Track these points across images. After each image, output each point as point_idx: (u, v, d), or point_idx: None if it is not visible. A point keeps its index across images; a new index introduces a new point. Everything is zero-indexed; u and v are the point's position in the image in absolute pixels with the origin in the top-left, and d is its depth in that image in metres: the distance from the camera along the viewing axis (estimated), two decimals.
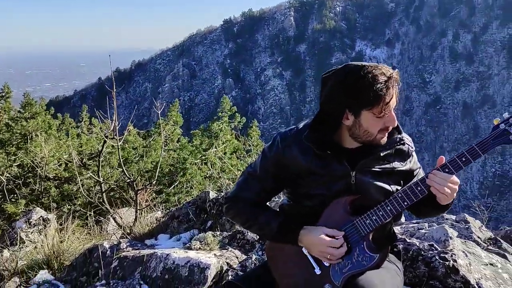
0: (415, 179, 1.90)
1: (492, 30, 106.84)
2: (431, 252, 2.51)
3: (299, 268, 1.89)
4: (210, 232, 3.71)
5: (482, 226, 3.92)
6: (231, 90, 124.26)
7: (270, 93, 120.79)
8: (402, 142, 1.87)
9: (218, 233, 3.72)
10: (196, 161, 8.18)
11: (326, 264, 1.82)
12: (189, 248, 3.56)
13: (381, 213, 1.78)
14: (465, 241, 2.80)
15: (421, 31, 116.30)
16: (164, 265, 3.33)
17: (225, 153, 9.18)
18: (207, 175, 8.57)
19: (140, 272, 3.48)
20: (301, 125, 1.92)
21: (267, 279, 2.00)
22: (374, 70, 1.66)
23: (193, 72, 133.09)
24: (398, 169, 1.86)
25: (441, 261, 2.43)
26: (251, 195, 1.97)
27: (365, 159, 1.81)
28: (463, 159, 1.69)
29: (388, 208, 1.77)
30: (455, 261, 2.42)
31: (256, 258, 3.14)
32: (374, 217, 1.78)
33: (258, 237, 3.38)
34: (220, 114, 8.56)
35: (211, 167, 8.61)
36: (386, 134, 1.79)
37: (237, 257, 3.27)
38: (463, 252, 2.58)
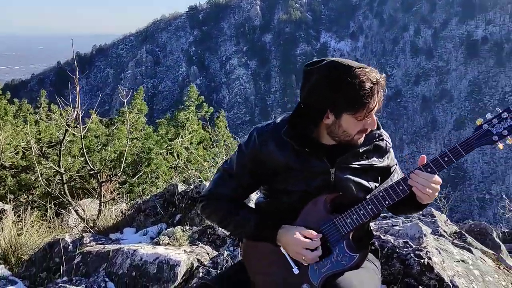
0: (392, 176, 1.89)
1: (452, 27, 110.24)
2: (405, 249, 2.51)
3: (277, 267, 1.83)
4: (179, 227, 3.59)
5: (447, 220, 4.01)
6: (195, 78, 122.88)
7: (235, 82, 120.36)
8: (381, 138, 1.84)
9: (187, 228, 3.62)
10: (161, 151, 7.98)
11: (304, 263, 1.77)
12: (158, 244, 3.44)
13: (362, 212, 1.74)
14: (437, 238, 2.82)
15: (384, 25, 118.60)
16: (131, 262, 3.19)
17: (191, 143, 9.02)
18: (173, 166, 8.40)
19: (105, 269, 3.33)
20: (278, 119, 1.85)
21: (242, 278, 1.93)
22: (361, 75, 1.59)
23: (157, 59, 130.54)
24: (376, 165, 1.83)
25: (416, 259, 2.43)
26: (228, 192, 1.89)
27: (344, 155, 1.77)
28: (446, 159, 1.67)
29: (369, 207, 1.74)
30: (429, 258, 2.43)
31: (227, 254, 3.06)
32: (354, 216, 1.75)
33: (229, 232, 3.30)
34: (187, 103, 8.37)
35: (177, 157, 8.44)
36: (364, 135, 1.76)
37: (208, 254, 3.18)
38: (436, 249, 2.60)
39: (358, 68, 1.60)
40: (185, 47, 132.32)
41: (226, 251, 3.13)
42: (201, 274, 2.98)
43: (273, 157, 1.77)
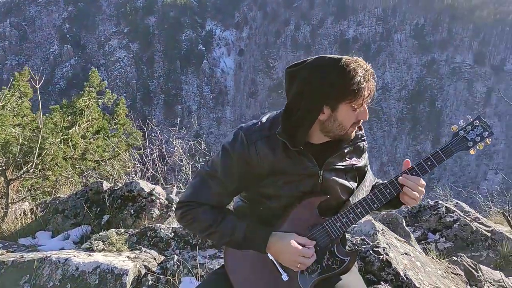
0: (367, 175, 1.92)
1: (327, 25, 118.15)
2: (364, 246, 2.62)
3: (264, 275, 1.78)
4: (113, 230, 3.28)
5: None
6: (69, 57, 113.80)
7: (115, 65, 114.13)
8: (363, 138, 1.87)
9: (121, 230, 3.32)
10: (56, 140, 7.23)
11: (297, 270, 1.74)
12: (91, 250, 3.10)
13: (351, 215, 1.76)
14: (383, 233, 3.01)
15: (268, 18, 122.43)
16: (64, 272, 2.84)
17: (87, 131, 8.33)
18: (69, 157, 7.68)
19: (29, 282, 2.91)
20: (264, 119, 1.78)
21: None
22: (352, 63, 1.59)
23: (24, 34, 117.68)
24: (356, 165, 1.85)
25: (375, 255, 2.56)
26: (211, 197, 1.77)
27: (332, 156, 1.76)
28: (429, 163, 1.75)
29: (359, 210, 1.76)
30: (387, 254, 2.58)
31: (178, 259, 2.90)
32: (344, 220, 1.76)
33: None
34: (87, 89, 7.65)
35: (74, 148, 7.74)
36: (356, 127, 1.77)
37: (154, 259, 2.96)
38: (387, 244, 2.77)
39: (347, 58, 1.61)
40: (57, 23, 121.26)
41: (176, 255, 2.96)
42: (150, 282, 2.78)
43: (264, 160, 1.70)
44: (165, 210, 3.76)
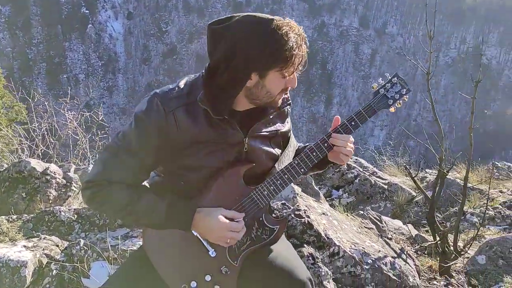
0: (290, 140, 1.87)
1: None
2: (285, 211, 2.59)
3: (187, 253, 1.65)
4: (3, 217, 2.83)
5: None
6: None
7: None
8: (289, 102, 1.80)
9: (13, 217, 2.89)
10: None
11: (226, 245, 1.64)
12: None
13: (278, 182, 1.69)
14: (301, 195, 3.00)
15: None
16: None
17: None
18: None
19: None
20: (181, 84, 1.60)
21: (145, 273, 1.67)
22: (284, 26, 1.47)
23: None
24: (281, 130, 1.78)
25: (298, 219, 2.54)
26: (125, 174, 1.57)
27: (257, 123, 1.66)
28: (353, 123, 1.72)
29: (286, 176, 1.70)
30: (308, 216, 2.57)
31: (84, 243, 2.60)
32: (272, 187, 1.68)
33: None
34: None
35: None
36: (283, 95, 1.68)
37: (57, 245, 2.63)
38: (306, 206, 2.76)
39: (278, 20, 1.48)
40: None
41: (82, 239, 2.65)
42: (54, 271, 2.47)
43: (184, 129, 1.54)
44: (63, 190, 3.37)
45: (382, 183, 6.19)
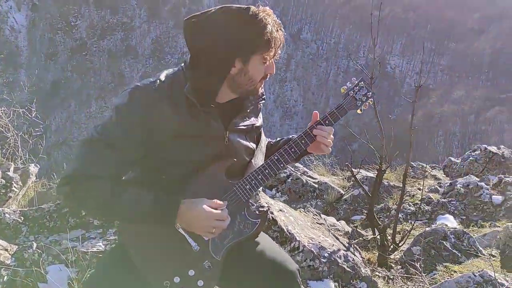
0: (262, 136, 1.95)
1: None
2: (253, 207, 2.65)
3: (169, 248, 1.67)
4: None
5: None
6: None
7: None
8: (263, 97, 1.88)
9: None
10: None
11: (206, 238, 1.69)
12: None
13: (260, 176, 1.76)
14: (258, 193, 3.09)
15: None
16: None
17: None
18: None
19: None
20: (162, 77, 1.64)
21: (124, 271, 1.66)
22: (260, 12, 1.58)
23: None
24: (255, 125, 1.86)
25: None
26: (107, 169, 1.56)
27: (237, 116, 1.74)
28: (327, 122, 1.84)
29: (266, 171, 1.77)
30: (272, 213, 2.68)
31: (38, 246, 2.46)
32: (253, 182, 1.76)
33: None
34: None
35: None
36: (263, 83, 1.77)
37: (6, 250, 2.44)
38: (267, 203, 2.86)
39: (254, 9, 1.59)
40: None
41: (34, 242, 2.50)
42: (6, 277, 2.31)
43: (167, 122, 1.57)
44: (3, 191, 3.13)
45: (313, 182, 6.50)
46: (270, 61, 1.66)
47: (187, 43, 1.60)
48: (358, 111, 1.93)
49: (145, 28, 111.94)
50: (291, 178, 6.34)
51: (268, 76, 1.72)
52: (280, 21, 1.63)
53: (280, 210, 3.02)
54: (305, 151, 1.88)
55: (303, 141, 1.80)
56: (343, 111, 1.86)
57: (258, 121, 1.87)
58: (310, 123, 1.83)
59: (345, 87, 1.91)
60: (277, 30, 1.61)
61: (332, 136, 1.83)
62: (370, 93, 1.91)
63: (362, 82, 1.90)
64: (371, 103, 1.98)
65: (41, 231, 2.73)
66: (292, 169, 6.62)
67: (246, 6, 1.56)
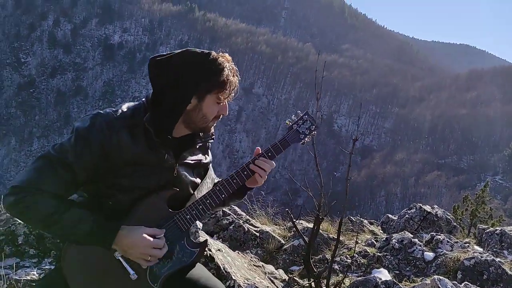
0: (209, 172, 2.00)
1: (91, 26, 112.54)
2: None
3: (108, 277, 1.68)
4: None
5: None
6: None
7: None
8: (213, 137, 1.96)
9: None
10: None
11: (144, 266, 1.71)
12: None
13: (201, 207, 1.82)
14: (197, 231, 3.14)
15: (21, 7, 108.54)
16: None
17: None
18: None
19: None
20: (124, 108, 1.73)
21: None
22: (220, 57, 1.72)
23: None
24: (203, 161, 1.94)
25: None
26: (57, 186, 1.60)
27: (186, 150, 1.82)
28: (269, 154, 1.91)
29: (208, 201, 1.83)
30: (210, 250, 2.73)
31: (4, 274, 2.35)
32: (194, 212, 1.81)
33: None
34: None
35: None
36: (216, 122, 1.85)
37: None
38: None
39: (214, 54, 1.71)
40: None
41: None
42: None
43: (124, 149, 1.64)
44: None
45: (254, 230, 6.55)
46: (224, 102, 1.78)
47: (151, 80, 1.71)
48: (301, 143, 1.98)
49: (98, 70, 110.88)
50: (233, 225, 6.36)
51: (220, 117, 1.82)
52: (237, 68, 1.77)
53: (219, 249, 3.07)
54: (246, 186, 1.94)
55: (245, 172, 1.86)
56: (286, 144, 1.92)
57: (207, 158, 1.95)
58: (253, 155, 1.90)
59: (290, 120, 1.97)
60: (233, 75, 1.74)
61: (269, 169, 1.88)
62: (314, 126, 1.96)
63: (307, 116, 1.96)
64: (314, 135, 2.03)
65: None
66: (235, 216, 6.65)
67: (208, 51, 1.70)
